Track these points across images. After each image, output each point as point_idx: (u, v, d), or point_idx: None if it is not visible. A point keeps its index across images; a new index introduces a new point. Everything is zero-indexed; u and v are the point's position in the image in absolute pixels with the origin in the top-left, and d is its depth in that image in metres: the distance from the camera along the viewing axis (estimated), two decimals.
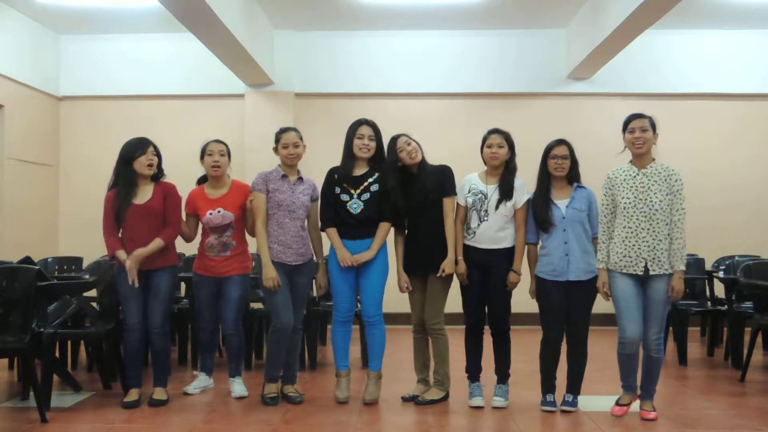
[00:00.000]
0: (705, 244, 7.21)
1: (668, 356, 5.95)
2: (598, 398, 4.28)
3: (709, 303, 6.22)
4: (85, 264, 6.16)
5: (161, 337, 4.29)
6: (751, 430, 3.81)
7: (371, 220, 4.22)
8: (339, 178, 4.26)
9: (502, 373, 4.25)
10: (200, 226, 4.55)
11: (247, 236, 4.55)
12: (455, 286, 4.28)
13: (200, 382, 4.64)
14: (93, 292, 4.97)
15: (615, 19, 6.26)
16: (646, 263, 3.76)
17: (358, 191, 4.23)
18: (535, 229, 4.15)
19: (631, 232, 3.79)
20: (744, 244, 7.48)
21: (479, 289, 4.19)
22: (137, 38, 8.08)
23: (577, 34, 7.59)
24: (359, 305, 4.47)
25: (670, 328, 6.17)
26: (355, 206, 4.21)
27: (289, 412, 4.12)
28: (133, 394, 4.26)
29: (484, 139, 4.25)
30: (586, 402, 4.18)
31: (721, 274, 6.21)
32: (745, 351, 5.12)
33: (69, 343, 5.29)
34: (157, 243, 4.21)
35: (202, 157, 4.52)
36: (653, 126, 3.88)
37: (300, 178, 4.35)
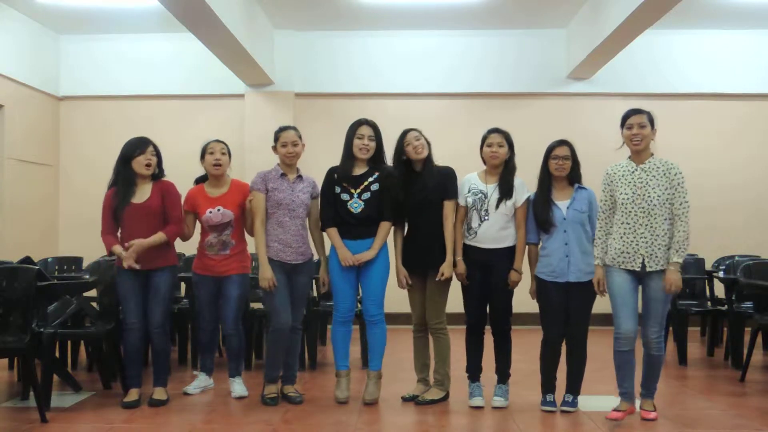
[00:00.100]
0: (705, 244, 7.21)
1: (668, 356, 5.95)
2: (598, 398, 4.28)
3: (709, 303, 6.23)
4: (85, 264, 6.16)
5: (161, 337, 4.29)
6: (751, 430, 3.81)
7: (372, 219, 4.22)
8: (339, 178, 4.26)
9: (503, 373, 4.25)
10: (198, 226, 4.55)
11: (246, 236, 4.55)
12: (456, 285, 4.28)
13: (200, 382, 4.64)
14: (93, 292, 4.97)
15: (615, 19, 6.26)
16: (643, 259, 3.73)
17: (358, 190, 4.23)
18: (535, 229, 4.15)
19: (629, 228, 3.76)
20: (744, 244, 7.49)
21: (480, 288, 4.19)
22: (137, 38, 8.08)
23: (577, 34, 7.59)
24: (359, 305, 4.47)
25: (670, 328, 6.17)
26: (356, 206, 4.21)
27: (289, 412, 4.12)
28: (133, 394, 4.26)
29: (484, 139, 4.25)
30: (586, 402, 4.18)
31: (721, 274, 6.21)
32: (745, 351, 5.12)
33: (69, 343, 5.29)
34: (159, 236, 4.21)
35: (202, 157, 4.53)
36: (651, 121, 3.84)
37: (299, 177, 4.35)
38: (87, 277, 4.95)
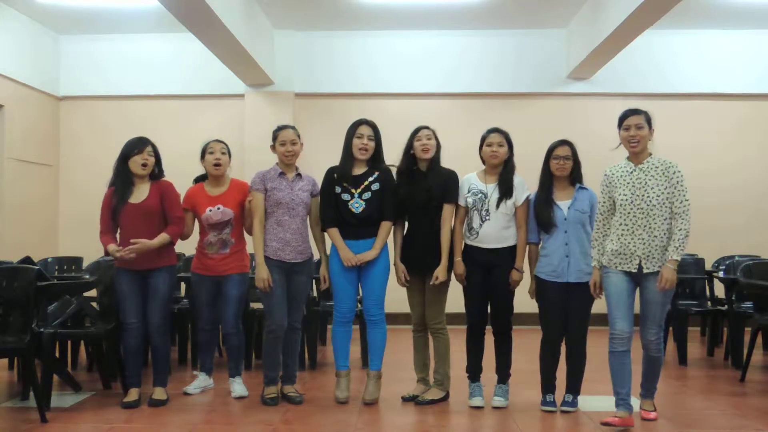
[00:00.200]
0: (705, 244, 7.21)
1: (668, 356, 5.95)
2: (598, 398, 4.28)
3: (709, 303, 6.23)
4: (85, 264, 6.16)
5: (160, 337, 4.29)
6: (751, 430, 3.81)
7: (373, 219, 4.23)
8: (339, 178, 4.26)
9: (503, 373, 4.25)
10: (197, 225, 4.56)
11: (246, 235, 4.55)
12: (457, 285, 4.28)
13: (200, 382, 4.64)
14: (93, 292, 4.97)
15: (615, 19, 6.26)
16: (640, 261, 3.70)
17: (359, 190, 4.22)
18: (536, 229, 4.15)
19: (627, 230, 3.73)
20: (744, 244, 7.49)
21: (481, 288, 4.19)
22: (137, 38, 8.08)
23: (577, 34, 7.60)
24: (359, 305, 4.47)
25: (670, 328, 6.17)
26: (357, 205, 4.21)
27: (289, 412, 4.12)
28: (132, 394, 4.26)
29: (483, 138, 4.24)
30: (586, 402, 4.18)
31: (721, 274, 6.21)
32: (745, 351, 5.12)
33: (69, 343, 5.29)
34: (163, 238, 4.21)
35: (202, 157, 4.53)
36: (649, 122, 3.79)
37: (298, 175, 4.35)
38: (87, 277, 4.95)
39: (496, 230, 4.14)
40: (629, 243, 3.71)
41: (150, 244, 4.15)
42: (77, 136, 8.23)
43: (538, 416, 4.05)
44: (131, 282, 4.23)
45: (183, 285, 6.15)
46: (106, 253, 4.26)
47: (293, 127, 4.41)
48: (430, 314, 4.27)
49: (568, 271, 4.01)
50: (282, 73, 7.97)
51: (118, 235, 4.29)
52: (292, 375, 4.44)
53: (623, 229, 3.74)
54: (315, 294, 5.83)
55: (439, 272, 4.15)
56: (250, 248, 4.55)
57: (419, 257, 4.24)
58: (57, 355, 4.86)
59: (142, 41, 8.10)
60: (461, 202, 4.24)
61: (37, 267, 4.28)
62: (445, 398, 4.33)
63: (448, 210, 4.21)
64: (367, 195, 4.21)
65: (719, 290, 6.38)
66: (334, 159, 4.35)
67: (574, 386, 4.11)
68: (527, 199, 4.18)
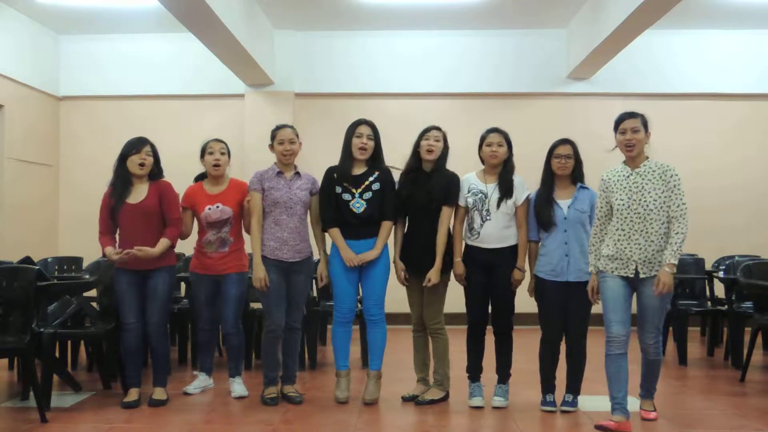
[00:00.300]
0: (705, 244, 7.21)
1: (668, 356, 5.95)
2: (598, 398, 4.28)
3: (709, 303, 6.23)
4: (85, 264, 6.15)
5: (159, 337, 4.29)
6: (751, 430, 3.81)
7: (374, 219, 4.23)
8: (339, 178, 4.26)
9: (503, 373, 4.25)
10: (196, 225, 4.56)
11: (245, 235, 4.55)
12: (458, 285, 4.28)
13: (200, 382, 4.64)
14: (93, 292, 4.97)
15: (615, 19, 6.26)
16: (636, 266, 3.65)
17: (359, 190, 4.22)
18: (536, 227, 4.15)
19: (624, 234, 3.68)
20: (744, 244, 7.49)
21: (482, 288, 4.19)
22: (137, 38, 8.08)
23: (577, 34, 7.60)
24: (359, 305, 4.47)
25: (670, 328, 6.17)
26: (358, 205, 4.21)
27: (289, 412, 4.12)
28: (132, 394, 4.26)
29: (483, 138, 4.24)
30: (586, 402, 4.18)
31: (721, 274, 6.20)
32: (745, 351, 5.12)
33: (69, 343, 5.29)
34: (164, 244, 4.21)
35: (202, 156, 4.54)
36: (645, 125, 3.74)
37: (297, 174, 4.35)
38: (87, 277, 4.95)
39: (497, 230, 4.14)
40: (626, 248, 3.67)
41: (152, 252, 4.15)
42: (77, 136, 8.23)
43: (538, 416, 4.05)
44: (130, 282, 4.22)
45: (183, 285, 6.15)
46: (104, 255, 4.26)
47: (292, 127, 4.41)
48: (427, 315, 4.27)
49: (567, 270, 4.01)
50: (282, 73, 7.97)
51: (117, 236, 4.29)
52: (292, 375, 4.44)
53: (620, 234, 3.70)
54: (315, 294, 5.83)
55: (432, 274, 4.15)
56: (248, 248, 4.56)
57: (419, 257, 4.24)
58: (57, 355, 4.86)
59: (142, 41, 8.10)
60: (461, 203, 4.24)
61: (37, 267, 4.28)
62: (445, 398, 4.33)
63: (446, 212, 4.21)
64: (368, 195, 4.21)
65: (719, 290, 6.38)
66: (334, 159, 4.35)
67: (574, 386, 4.11)
68: (527, 199, 4.18)
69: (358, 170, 4.26)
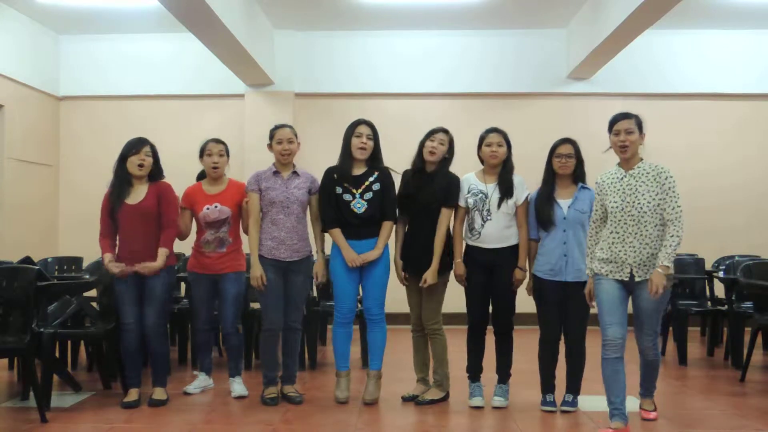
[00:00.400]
0: (705, 244, 7.22)
1: (668, 356, 5.96)
2: (598, 398, 4.27)
3: (709, 303, 6.22)
4: (85, 264, 6.15)
5: (158, 337, 4.28)
6: (751, 430, 3.81)
7: (375, 219, 4.23)
8: (339, 178, 4.25)
9: (503, 373, 4.26)
10: (194, 225, 4.56)
11: (243, 236, 4.56)
12: (458, 286, 4.28)
13: (200, 382, 4.64)
14: (93, 292, 4.97)
15: (615, 19, 6.26)
16: (631, 269, 3.59)
17: (360, 190, 4.22)
18: (535, 226, 4.15)
19: (618, 237, 3.61)
20: (744, 244, 7.48)
21: (483, 288, 4.19)
22: (137, 38, 8.08)
23: (577, 34, 7.59)
24: (359, 305, 4.47)
25: (670, 328, 6.17)
26: (359, 206, 4.21)
27: (289, 412, 4.12)
28: (132, 394, 4.26)
29: (482, 138, 4.24)
30: (586, 402, 4.18)
31: (721, 274, 6.20)
32: (745, 351, 5.12)
33: (69, 343, 5.29)
34: (164, 254, 4.21)
35: (201, 156, 4.56)
36: (640, 126, 3.68)
37: (294, 173, 4.35)
38: (87, 277, 4.95)
39: (497, 230, 4.14)
40: (620, 251, 3.61)
41: (154, 266, 4.16)
42: (77, 136, 8.23)
43: (538, 416, 4.05)
44: (130, 283, 4.22)
45: (183, 285, 6.15)
46: (103, 263, 4.27)
47: (290, 126, 4.41)
48: (425, 315, 4.27)
49: (566, 270, 4.01)
50: (282, 73, 7.97)
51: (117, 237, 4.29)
52: (291, 375, 4.44)
53: (614, 237, 3.64)
54: (315, 294, 5.83)
55: (429, 275, 4.15)
56: (246, 248, 4.56)
57: (419, 257, 4.23)
58: (57, 355, 4.86)
59: (142, 41, 8.10)
60: (461, 203, 4.24)
61: (37, 267, 4.28)
62: (445, 398, 4.33)
63: (445, 213, 4.21)
64: (368, 195, 4.22)
65: (719, 290, 6.38)
66: (334, 159, 4.35)
67: (573, 386, 4.11)
68: (527, 198, 4.18)
69: (358, 170, 4.26)
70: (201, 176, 4.67)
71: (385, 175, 4.28)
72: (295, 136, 4.37)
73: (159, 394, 4.30)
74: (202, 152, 4.54)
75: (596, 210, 3.79)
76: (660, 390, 4.11)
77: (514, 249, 4.17)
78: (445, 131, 4.28)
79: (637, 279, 3.60)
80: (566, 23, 7.81)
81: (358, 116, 4.39)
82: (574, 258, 4.00)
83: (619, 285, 3.65)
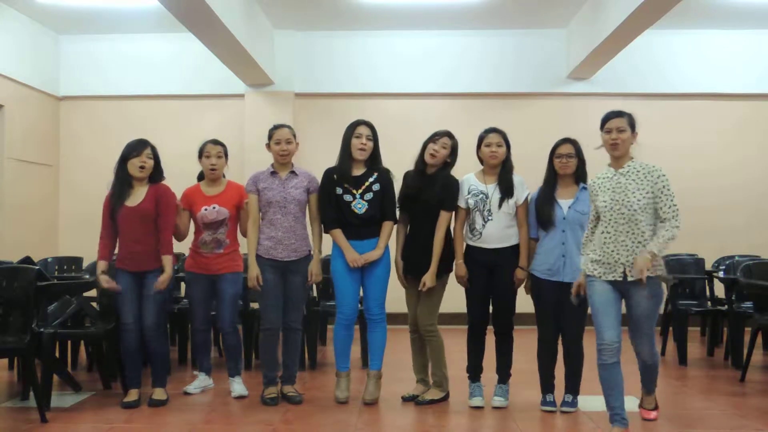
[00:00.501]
0: (705, 244, 7.22)
1: (668, 356, 5.96)
2: (598, 398, 4.26)
3: (709, 303, 6.22)
4: (85, 264, 6.16)
5: (156, 338, 4.27)
6: (751, 430, 3.81)
7: (375, 219, 4.24)
8: (339, 179, 4.25)
9: (503, 373, 4.26)
10: (192, 225, 4.57)
11: (240, 237, 4.57)
12: (458, 286, 4.27)
13: (200, 382, 4.65)
14: (93, 292, 4.97)
15: (615, 19, 6.26)
16: (624, 268, 3.50)
17: (360, 191, 4.22)
18: (535, 225, 4.15)
19: (610, 237, 3.53)
20: (744, 244, 7.48)
21: (483, 288, 4.19)
22: (137, 38, 8.08)
23: (577, 34, 7.59)
24: (360, 306, 4.47)
25: (670, 328, 6.17)
26: (360, 206, 4.21)
27: (289, 412, 4.12)
28: (132, 394, 4.26)
29: (481, 139, 4.24)
30: (586, 402, 4.18)
31: (721, 274, 6.20)
32: (745, 351, 5.12)
33: (69, 343, 5.29)
34: (169, 262, 4.25)
35: (200, 157, 4.57)
36: (632, 125, 3.62)
37: (292, 172, 4.35)
38: (87, 277, 4.95)
39: (499, 230, 4.14)
40: (612, 251, 3.53)
41: (166, 279, 4.20)
42: (77, 136, 8.23)
43: (538, 416, 4.05)
44: (129, 283, 4.23)
45: (183, 285, 6.14)
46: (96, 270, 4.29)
47: (289, 126, 4.41)
48: (421, 317, 4.26)
49: (563, 270, 4.00)
50: (282, 73, 7.97)
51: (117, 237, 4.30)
52: (291, 375, 4.44)
53: (606, 237, 3.56)
54: (315, 294, 5.83)
55: (427, 278, 4.15)
56: (244, 249, 4.56)
57: (418, 259, 4.23)
58: (57, 355, 4.86)
59: (142, 41, 8.10)
60: (461, 204, 4.24)
61: (37, 267, 4.28)
62: (445, 398, 4.33)
63: (444, 217, 4.20)
64: (368, 196, 4.22)
65: (719, 290, 6.38)
66: (334, 159, 4.35)
67: (573, 386, 4.11)
68: (527, 198, 4.19)
69: (357, 171, 4.26)
70: (201, 177, 4.68)
71: (385, 175, 4.28)
72: (294, 136, 4.37)
73: (159, 394, 4.30)
74: (201, 153, 4.55)
75: (591, 211, 3.75)
76: (660, 390, 4.10)
77: (515, 249, 4.17)
78: (450, 136, 4.27)
79: (629, 279, 3.51)
80: (566, 23, 7.81)
81: (358, 116, 4.39)
82: (573, 259, 3.99)
83: (612, 287, 3.56)
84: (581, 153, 4.10)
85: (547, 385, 4.16)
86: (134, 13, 7.35)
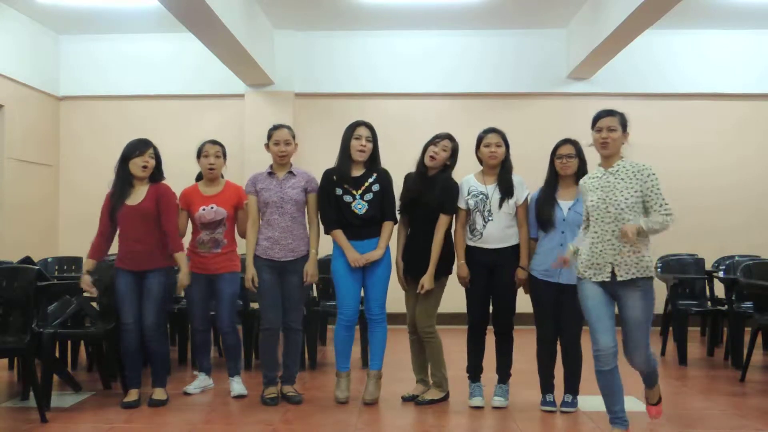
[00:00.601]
0: (705, 244, 7.22)
1: (668, 356, 5.97)
2: (598, 398, 4.25)
3: (709, 303, 6.22)
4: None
5: (156, 338, 4.27)
6: (751, 430, 3.81)
7: (375, 219, 4.24)
8: (339, 179, 4.25)
9: (503, 373, 4.26)
10: (190, 225, 4.58)
11: (238, 238, 4.58)
12: (458, 286, 4.27)
13: (200, 382, 4.65)
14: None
15: (615, 19, 6.26)
16: (612, 268, 3.44)
17: (360, 192, 4.22)
18: (535, 224, 4.15)
19: (598, 237, 3.48)
20: (744, 244, 7.48)
21: (483, 289, 4.19)
22: (137, 38, 8.08)
23: (577, 34, 7.60)
24: (361, 306, 4.47)
25: (670, 328, 6.17)
26: (360, 207, 4.21)
27: (289, 412, 4.12)
28: (132, 394, 4.26)
29: (480, 139, 4.24)
30: (586, 402, 4.18)
31: (721, 274, 6.21)
32: (745, 351, 5.13)
33: (69, 343, 5.29)
34: (183, 258, 4.29)
35: (198, 157, 4.58)
36: (623, 124, 3.56)
37: (290, 173, 4.35)
38: None
39: (499, 230, 4.14)
40: (601, 251, 3.47)
41: (185, 279, 4.28)
42: (77, 136, 8.23)
43: (538, 416, 4.05)
44: (129, 283, 4.23)
45: None
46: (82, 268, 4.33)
47: (288, 127, 4.41)
48: (419, 318, 4.26)
49: (561, 271, 3.98)
50: (282, 73, 7.97)
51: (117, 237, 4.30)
52: (291, 375, 4.44)
53: (594, 237, 3.50)
54: (315, 294, 5.83)
55: (425, 280, 4.15)
56: (242, 249, 4.56)
57: (418, 260, 4.23)
58: (57, 355, 4.86)
59: (142, 41, 8.10)
60: (462, 205, 4.23)
61: (37, 267, 4.28)
62: (445, 398, 4.33)
63: (443, 220, 4.19)
64: (368, 196, 4.22)
65: (719, 290, 6.38)
66: (334, 159, 4.35)
67: (572, 386, 4.11)
68: (527, 198, 4.19)
69: (357, 172, 4.26)
70: (199, 177, 4.68)
71: (384, 176, 4.28)
72: (293, 137, 4.37)
73: (159, 394, 4.30)
74: (199, 153, 4.56)
75: (583, 211, 3.70)
76: (660, 390, 4.09)
77: (515, 249, 4.18)
78: (451, 138, 4.26)
79: (619, 278, 3.44)
80: (566, 23, 7.81)
81: (358, 116, 4.39)
82: (571, 260, 3.98)
83: (603, 289, 3.50)
84: (582, 153, 4.10)
85: (546, 385, 4.17)
86: (134, 13, 7.35)
